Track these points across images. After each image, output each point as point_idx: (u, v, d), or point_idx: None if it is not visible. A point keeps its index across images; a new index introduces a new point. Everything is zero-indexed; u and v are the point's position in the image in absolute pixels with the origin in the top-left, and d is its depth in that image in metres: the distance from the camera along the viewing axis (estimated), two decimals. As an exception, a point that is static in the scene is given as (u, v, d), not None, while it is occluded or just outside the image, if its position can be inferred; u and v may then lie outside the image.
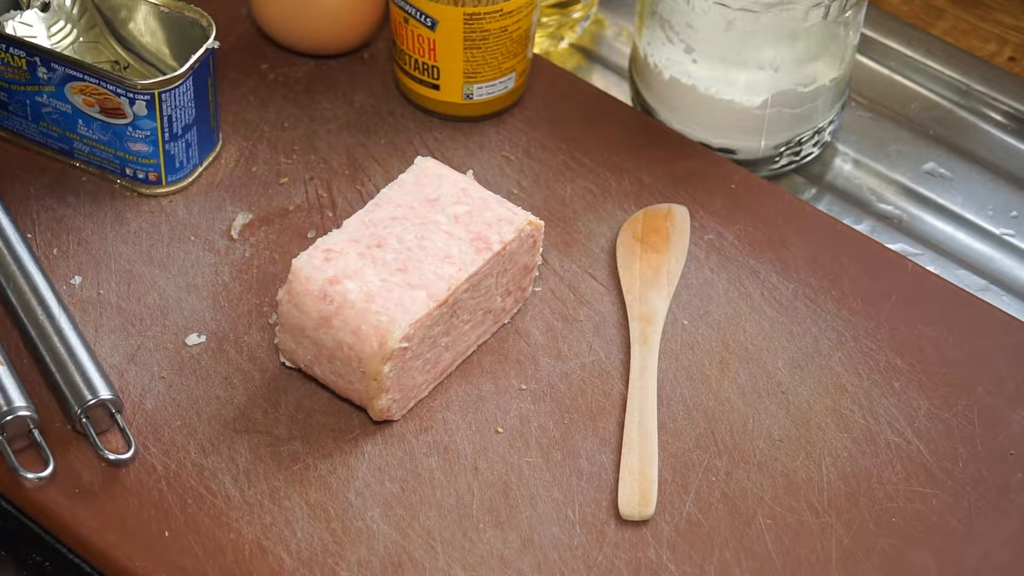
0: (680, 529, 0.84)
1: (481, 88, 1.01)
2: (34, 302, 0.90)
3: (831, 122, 1.04)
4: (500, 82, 1.01)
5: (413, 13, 0.98)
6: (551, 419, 0.89)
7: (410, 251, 0.87)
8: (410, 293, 0.85)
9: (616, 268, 0.95)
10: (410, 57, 1.01)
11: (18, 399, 0.85)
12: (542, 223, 0.91)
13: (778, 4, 0.95)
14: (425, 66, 1.01)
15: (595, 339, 0.92)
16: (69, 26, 0.98)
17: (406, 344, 0.84)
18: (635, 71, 1.06)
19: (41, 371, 0.88)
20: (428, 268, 0.86)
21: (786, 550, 0.84)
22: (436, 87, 1.01)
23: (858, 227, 1.01)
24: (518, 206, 0.91)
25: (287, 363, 0.89)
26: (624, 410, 0.89)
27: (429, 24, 0.98)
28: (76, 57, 0.95)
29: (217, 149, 1.00)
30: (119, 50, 0.98)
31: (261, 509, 0.84)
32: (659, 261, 0.95)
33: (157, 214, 0.97)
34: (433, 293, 0.86)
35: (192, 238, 0.96)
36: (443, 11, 0.97)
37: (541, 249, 0.92)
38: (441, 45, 0.99)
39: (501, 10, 0.98)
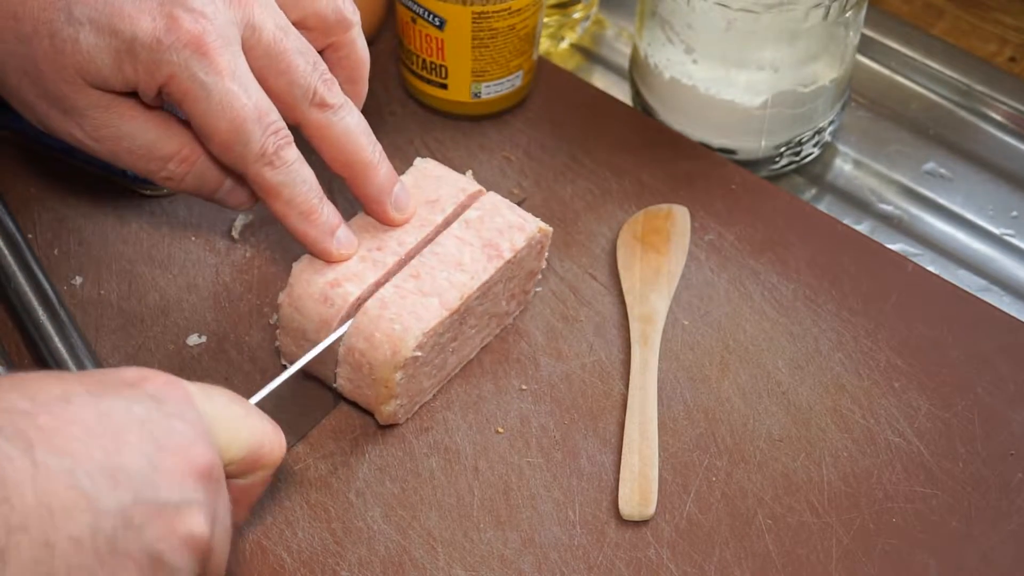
0: (680, 529, 0.84)
1: (489, 87, 1.01)
2: (35, 302, 0.90)
3: (831, 122, 1.04)
4: (507, 80, 1.01)
5: (421, 13, 0.98)
6: (551, 419, 0.89)
7: (421, 256, 0.87)
8: (423, 301, 0.85)
9: (616, 268, 0.95)
10: (417, 57, 1.01)
11: (19, 399, 0.85)
12: (551, 229, 0.91)
13: (778, 5, 0.95)
14: (433, 65, 1.01)
15: (595, 339, 0.92)
16: (70, 27, 0.98)
17: (419, 353, 0.84)
18: (635, 71, 1.06)
19: (42, 371, 0.88)
20: (441, 275, 0.86)
21: (786, 550, 0.84)
22: (444, 86, 1.02)
23: (858, 227, 1.01)
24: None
25: (288, 365, 0.89)
26: (624, 410, 0.89)
27: (437, 23, 0.98)
28: (77, 58, 0.95)
29: (218, 149, 1.00)
30: (120, 51, 0.98)
31: (261, 509, 0.84)
32: (659, 261, 0.95)
33: (158, 214, 0.98)
34: (445, 301, 0.85)
35: (193, 238, 0.96)
36: (451, 10, 0.97)
37: (547, 253, 0.92)
38: (449, 44, 0.99)
39: (509, 8, 0.98)
